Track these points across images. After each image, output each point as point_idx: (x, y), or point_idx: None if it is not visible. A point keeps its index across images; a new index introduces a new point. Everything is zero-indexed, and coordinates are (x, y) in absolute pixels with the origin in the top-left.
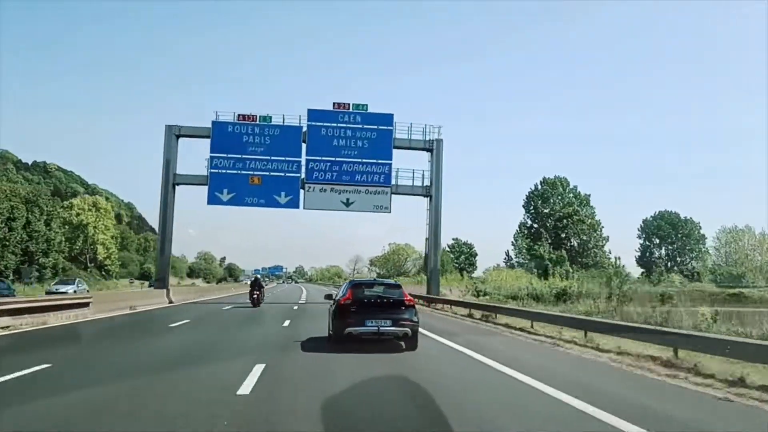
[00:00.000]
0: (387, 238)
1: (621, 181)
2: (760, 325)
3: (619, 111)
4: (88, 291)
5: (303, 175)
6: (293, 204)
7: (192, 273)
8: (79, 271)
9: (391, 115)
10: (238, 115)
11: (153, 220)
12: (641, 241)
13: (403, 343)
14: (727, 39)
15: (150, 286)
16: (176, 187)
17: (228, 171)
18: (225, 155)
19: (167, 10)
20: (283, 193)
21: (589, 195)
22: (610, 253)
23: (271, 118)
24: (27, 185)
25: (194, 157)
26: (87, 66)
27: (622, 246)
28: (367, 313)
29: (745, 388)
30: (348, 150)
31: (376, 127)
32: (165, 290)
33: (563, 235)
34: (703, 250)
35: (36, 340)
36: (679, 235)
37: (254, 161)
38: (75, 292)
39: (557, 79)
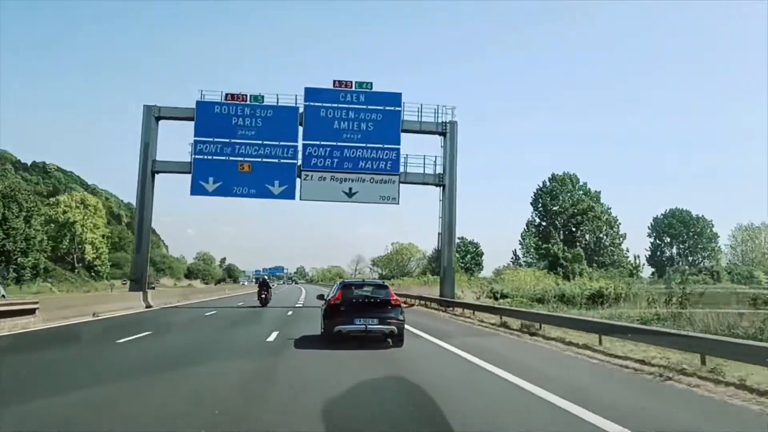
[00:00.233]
0: (389, 238)
1: (621, 181)
2: None
3: (619, 111)
4: (4, 296)
5: (300, 162)
6: (288, 194)
7: (190, 274)
8: (64, 272)
9: (398, 95)
10: (226, 94)
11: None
12: (652, 240)
13: (390, 341)
14: (727, 39)
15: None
16: (156, 175)
17: (214, 157)
18: (211, 139)
19: (167, 10)
20: (276, 182)
21: (599, 192)
22: (627, 251)
23: (263, 97)
24: (4, 180)
25: (177, 142)
26: (87, 66)
27: (624, 245)
28: (356, 312)
29: None
30: (350, 133)
31: (382, 107)
32: (141, 293)
33: (577, 233)
34: (716, 248)
35: None
36: (691, 234)
37: (244, 146)
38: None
39: (557, 79)
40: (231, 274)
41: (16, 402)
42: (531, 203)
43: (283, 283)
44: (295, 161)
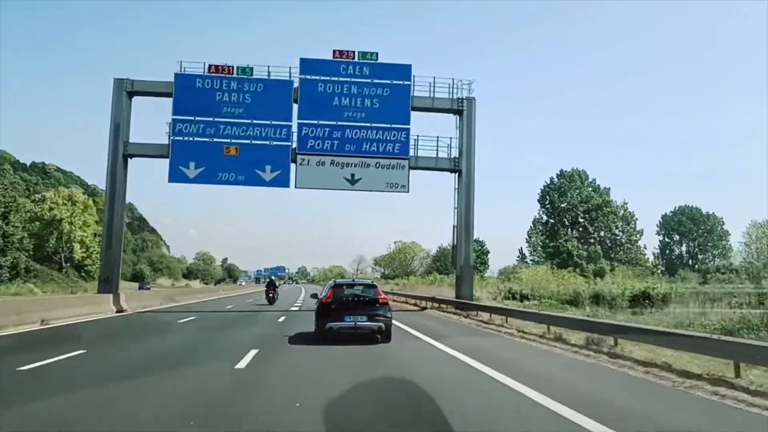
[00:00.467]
0: (390, 237)
1: (621, 181)
2: None
3: (619, 111)
4: None
5: (294, 144)
6: (282, 181)
7: (190, 274)
8: (51, 272)
9: (408, 67)
10: (209, 66)
11: (152, 220)
12: (660, 238)
13: (379, 336)
14: (727, 39)
15: (140, 288)
16: (129, 159)
17: (196, 139)
18: (192, 118)
19: (167, 10)
20: (268, 167)
21: (609, 188)
22: (645, 248)
23: (252, 70)
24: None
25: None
26: (87, 66)
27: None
28: (346, 310)
29: None
30: (353, 111)
31: (389, 81)
32: (112, 295)
33: (591, 229)
34: (727, 246)
35: None
36: (701, 231)
37: (230, 126)
38: None
39: (557, 79)
40: (231, 274)
41: None
42: (538, 200)
43: (284, 283)
44: (289, 143)
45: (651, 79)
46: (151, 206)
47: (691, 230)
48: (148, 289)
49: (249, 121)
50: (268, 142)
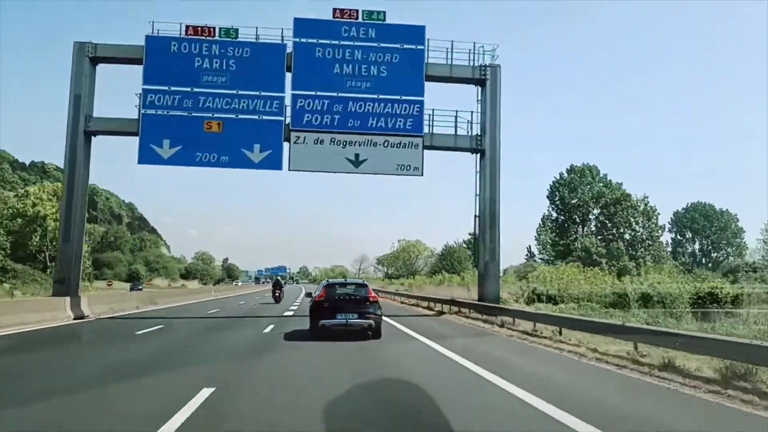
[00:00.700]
0: (391, 237)
1: (621, 181)
2: None
3: (619, 111)
4: None
5: (288, 119)
6: (273, 163)
7: (188, 274)
8: (33, 272)
9: (421, 28)
10: (187, 27)
11: (152, 220)
12: (672, 235)
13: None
14: (727, 39)
15: (131, 289)
16: (93, 137)
17: (171, 112)
18: (166, 88)
19: (168, 9)
20: (256, 147)
21: (621, 183)
22: (667, 245)
23: (237, 32)
24: None
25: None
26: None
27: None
28: (338, 309)
29: None
30: (357, 81)
31: (399, 46)
32: (68, 299)
33: (609, 225)
34: (741, 244)
35: None
36: (714, 229)
37: (212, 97)
38: None
39: (557, 79)
40: (231, 274)
41: None
42: (547, 196)
43: (285, 283)
44: (282, 118)
45: (651, 79)
46: (150, 206)
47: (704, 227)
48: (140, 290)
49: (234, 91)
50: (256, 117)
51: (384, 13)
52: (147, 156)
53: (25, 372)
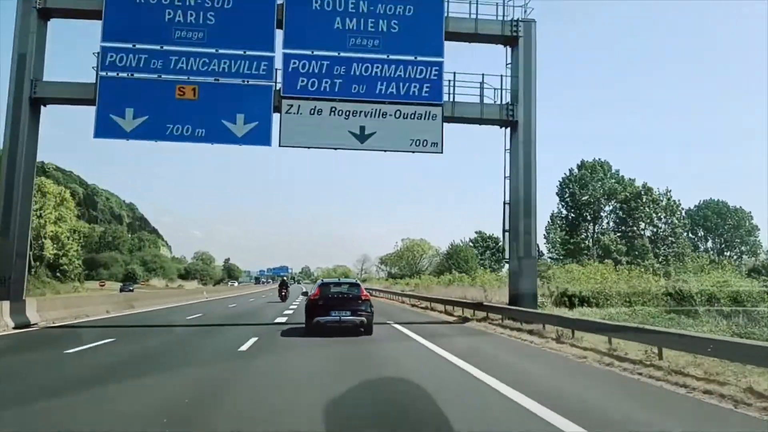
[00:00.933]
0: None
1: (634, 177)
2: None
3: (619, 111)
4: None
5: (278, 85)
6: (260, 137)
7: (188, 274)
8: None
9: None
10: None
11: (153, 220)
12: (684, 234)
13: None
14: (727, 39)
15: (122, 290)
16: (43, 107)
17: (136, 75)
18: (130, 45)
19: None
20: (240, 117)
21: (634, 179)
22: (698, 241)
23: None
24: None
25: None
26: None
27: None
28: (332, 307)
29: None
30: (362, 37)
31: None
32: (8, 303)
33: (630, 221)
34: (756, 242)
35: None
36: (727, 227)
37: (185, 57)
38: None
39: (557, 79)
40: (231, 274)
41: None
42: (557, 194)
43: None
44: (271, 83)
45: (651, 79)
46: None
47: (717, 225)
48: (131, 290)
49: (212, 50)
50: (240, 81)
51: None
52: (105, 128)
53: None
